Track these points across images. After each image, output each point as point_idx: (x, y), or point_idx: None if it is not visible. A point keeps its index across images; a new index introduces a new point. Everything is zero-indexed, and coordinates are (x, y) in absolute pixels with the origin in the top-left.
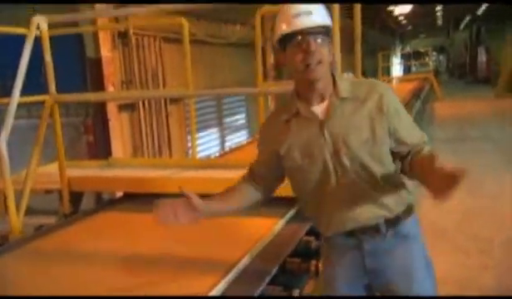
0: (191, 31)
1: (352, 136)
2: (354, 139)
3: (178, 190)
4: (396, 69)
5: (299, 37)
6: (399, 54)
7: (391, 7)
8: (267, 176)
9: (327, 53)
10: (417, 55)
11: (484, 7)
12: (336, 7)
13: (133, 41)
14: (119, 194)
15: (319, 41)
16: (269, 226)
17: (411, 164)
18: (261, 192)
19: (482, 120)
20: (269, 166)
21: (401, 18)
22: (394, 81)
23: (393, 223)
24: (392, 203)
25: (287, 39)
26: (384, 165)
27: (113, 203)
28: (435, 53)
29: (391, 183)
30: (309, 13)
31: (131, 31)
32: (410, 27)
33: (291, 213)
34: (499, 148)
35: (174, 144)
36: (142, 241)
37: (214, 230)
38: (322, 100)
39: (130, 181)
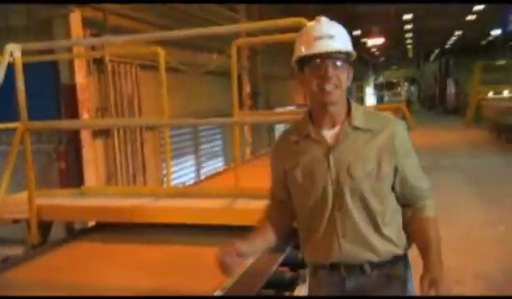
0: (167, 60)
1: (357, 166)
2: (358, 170)
3: (151, 219)
4: (370, 99)
5: (318, 61)
6: (372, 84)
7: (364, 39)
8: (285, 198)
9: (344, 79)
10: (390, 85)
11: (452, 40)
12: None
13: (109, 67)
14: (91, 224)
15: (338, 66)
16: None
17: (413, 224)
18: (287, 217)
19: (453, 150)
20: (283, 186)
21: (374, 50)
22: None
23: (379, 266)
24: (382, 247)
25: (305, 61)
26: (383, 204)
27: (85, 233)
28: (406, 84)
29: (386, 224)
30: (330, 37)
31: (107, 58)
32: (382, 59)
33: None
34: (469, 177)
35: (148, 172)
36: (112, 273)
37: (187, 261)
38: (334, 125)
39: (103, 210)
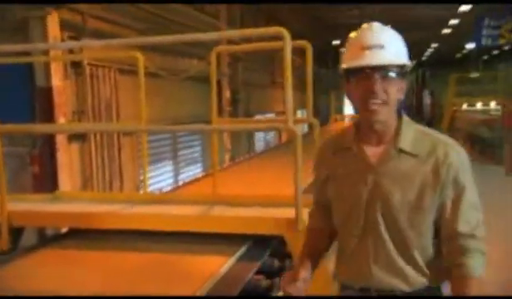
0: (147, 65)
1: (395, 194)
2: (396, 198)
3: (126, 226)
4: (349, 108)
5: (364, 73)
6: None
7: (343, 49)
8: (326, 203)
9: (394, 93)
10: None
11: (428, 53)
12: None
13: (87, 71)
14: (64, 230)
15: (387, 79)
16: (220, 264)
17: (452, 279)
18: (331, 222)
19: None
20: (323, 192)
21: None
22: (346, 120)
23: (410, 294)
24: (415, 279)
25: (351, 71)
26: (422, 238)
27: (57, 240)
28: None
29: (424, 260)
30: (380, 47)
31: (85, 62)
32: None
33: (242, 250)
34: None
35: (126, 178)
36: (84, 280)
37: (162, 269)
38: (380, 143)
39: (76, 216)
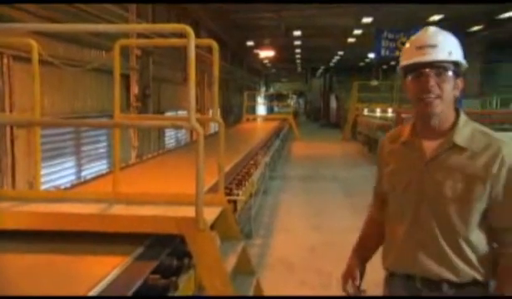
0: (43, 53)
1: (446, 187)
2: (446, 191)
3: (14, 226)
4: (261, 108)
5: (419, 70)
6: (263, 94)
7: (257, 50)
8: (384, 196)
9: (448, 89)
10: (280, 97)
11: (335, 59)
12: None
13: None
14: None
15: (441, 76)
16: (115, 264)
17: (499, 269)
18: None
19: (331, 161)
20: (383, 184)
21: (266, 61)
22: (258, 120)
23: (458, 286)
24: (462, 269)
25: (407, 69)
26: (469, 227)
27: None
28: (295, 96)
29: (471, 250)
30: (433, 47)
31: None
32: (274, 71)
33: (139, 250)
34: (344, 187)
35: (19, 173)
36: None
37: (53, 270)
38: (436, 137)
39: None
